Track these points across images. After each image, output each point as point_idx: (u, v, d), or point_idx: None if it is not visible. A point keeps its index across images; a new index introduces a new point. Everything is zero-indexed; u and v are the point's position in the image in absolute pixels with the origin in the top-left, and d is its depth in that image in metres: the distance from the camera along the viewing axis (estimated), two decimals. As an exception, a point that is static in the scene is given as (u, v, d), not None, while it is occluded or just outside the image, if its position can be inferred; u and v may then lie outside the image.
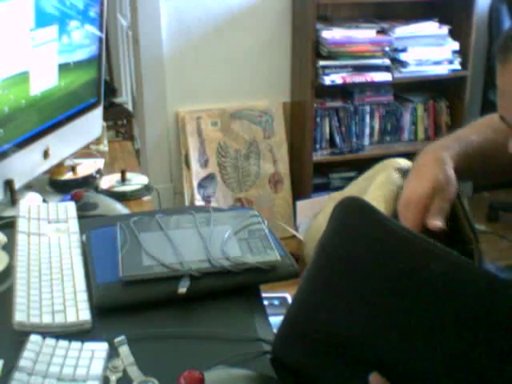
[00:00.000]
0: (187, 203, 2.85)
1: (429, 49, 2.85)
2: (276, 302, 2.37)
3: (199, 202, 2.83)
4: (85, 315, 0.84)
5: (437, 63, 2.89)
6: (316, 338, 0.65)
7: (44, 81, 1.33)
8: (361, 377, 0.60)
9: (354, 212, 0.63)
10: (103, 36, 1.55)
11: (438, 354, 0.56)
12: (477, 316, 0.54)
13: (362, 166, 3.47)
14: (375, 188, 0.89)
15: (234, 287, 0.92)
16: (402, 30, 2.80)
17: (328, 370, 0.65)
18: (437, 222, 0.74)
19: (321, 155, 2.93)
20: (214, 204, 2.82)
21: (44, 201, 1.37)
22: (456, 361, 0.55)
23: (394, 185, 0.87)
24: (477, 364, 0.55)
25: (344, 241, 0.63)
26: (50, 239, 1.02)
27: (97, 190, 1.49)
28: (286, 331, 0.70)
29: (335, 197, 1.07)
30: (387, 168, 0.91)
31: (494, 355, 0.54)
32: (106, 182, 1.53)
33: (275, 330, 0.82)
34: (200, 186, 2.86)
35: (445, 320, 0.55)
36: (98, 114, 1.63)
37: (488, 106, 3.17)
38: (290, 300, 2.37)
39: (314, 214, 0.98)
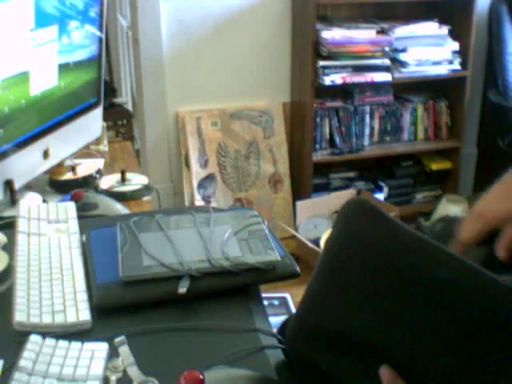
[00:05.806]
0: (187, 203, 2.85)
1: (429, 49, 2.86)
2: (276, 302, 2.37)
3: (199, 202, 2.83)
4: (85, 315, 0.83)
5: (437, 63, 2.89)
6: (325, 334, 0.65)
7: (44, 81, 1.33)
8: (371, 369, 0.60)
9: (360, 213, 0.63)
10: (103, 36, 1.55)
11: (442, 357, 0.56)
12: (483, 323, 0.54)
13: (361, 166, 3.47)
14: None
15: (234, 287, 0.91)
16: (401, 30, 2.81)
17: (339, 364, 0.65)
18: (501, 251, 0.66)
19: (321, 155, 2.93)
20: (214, 204, 2.82)
21: (44, 201, 1.37)
22: (460, 366, 0.55)
23: None
24: (480, 371, 0.55)
25: (350, 242, 0.63)
26: (50, 239, 1.01)
27: (97, 190, 1.49)
28: (296, 327, 0.70)
29: None
30: None
31: (502, 364, 0.54)
32: (106, 182, 1.53)
33: (275, 330, 0.82)
34: (200, 186, 2.86)
35: (449, 324, 0.55)
36: (97, 114, 1.63)
37: (488, 106, 3.17)
38: (289, 300, 2.37)
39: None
